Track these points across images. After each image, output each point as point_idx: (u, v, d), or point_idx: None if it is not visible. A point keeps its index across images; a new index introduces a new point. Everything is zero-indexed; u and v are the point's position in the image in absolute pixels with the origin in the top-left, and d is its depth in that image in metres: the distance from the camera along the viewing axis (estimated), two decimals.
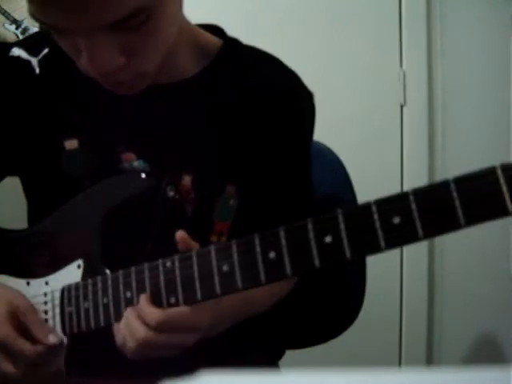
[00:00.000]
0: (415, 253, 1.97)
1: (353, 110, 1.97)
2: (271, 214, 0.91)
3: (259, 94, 0.89)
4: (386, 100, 1.97)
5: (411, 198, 0.58)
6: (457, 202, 0.56)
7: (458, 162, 1.90)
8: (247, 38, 0.94)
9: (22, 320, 0.80)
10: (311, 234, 0.63)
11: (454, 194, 0.56)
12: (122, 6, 0.65)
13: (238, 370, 0.35)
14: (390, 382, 0.34)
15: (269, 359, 1.07)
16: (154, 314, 0.71)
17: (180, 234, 0.73)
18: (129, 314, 0.74)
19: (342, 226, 0.62)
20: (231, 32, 0.93)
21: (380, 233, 0.60)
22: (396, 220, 0.59)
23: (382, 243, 0.60)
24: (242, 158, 0.89)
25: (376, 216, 0.60)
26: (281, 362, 1.10)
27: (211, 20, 0.94)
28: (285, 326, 1.10)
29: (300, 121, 0.93)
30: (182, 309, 0.72)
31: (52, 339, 0.79)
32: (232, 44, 0.91)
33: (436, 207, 0.57)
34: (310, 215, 0.64)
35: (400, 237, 0.59)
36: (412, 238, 0.59)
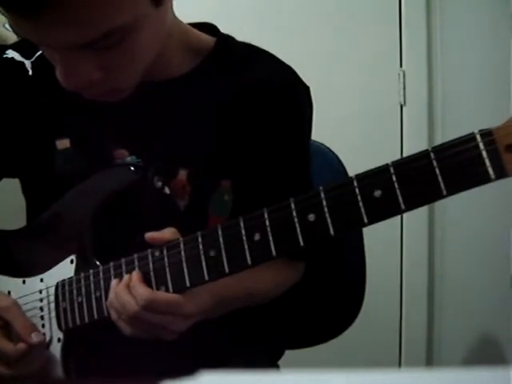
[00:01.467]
0: (415, 252, 1.97)
1: (353, 110, 1.97)
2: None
3: (254, 89, 0.89)
4: (386, 100, 1.97)
5: (391, 170, 0.59)
6: (437, 171, 0.56)
7: None
8: (247, 38, 0.94)
9: (6, 319, 0.81)
10: (294, 213, 0.64)
11: (434, 163, 0.57)
12: (95, 27, 0.65)
13: (238, 370, 0.35)
14: (390, 382, 0.34)
15: (269, 359, 1.07)
16: (143, 293, 0.72)
17: (148, 236, 0.75)
18: (119, 288, 0.74)
19: (324, 203, 0.62)
20: (230, 31, 0.93)
21: (362, 207, 0.60)
22: (377, 193, 0.59)
23: (365, 217, 0.60)
24: (238, 154, 0.89)
25: (357, 190, 0.60)
26: (281, 362, 1.10)
27: (211, 19, 0.94)
28: (285, 325, 1.10)
29: (296, 115, 0.92)
30: (172, 294, 0.73)
31: (35, 338, 0.80)
32: (225, 41, 0.91)
33: (417, 177, 0.58)
34: None
35: (382, 209, 0.60)
36: (394, 210, 0.59)
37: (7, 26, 1.87)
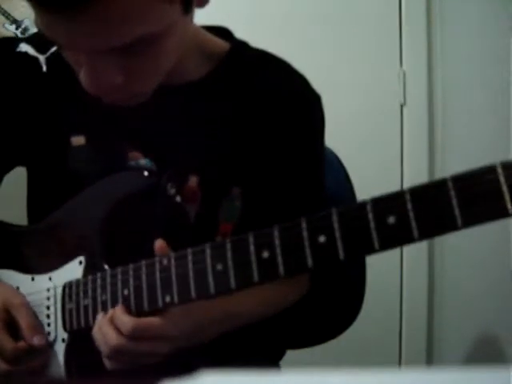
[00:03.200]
0: (415, 252, 1.97)
1: (353, 109, 1.97)
2: (277, 216, 0.91)
3: (266, 97, 0.89)
4: (386, 100, 1.97)
5: (407, 197, 0.57)
6: (454, 202, 0.54)
7: (458, 162, 1.90)
8: (248, 39, 0.94)
9: (14, 316, 0.81)
10: (305, 234, 0.62)
11: (452, 193, 0.54)
12: (125, 34, 0.66)
13: (238, 369, 0.35)
14: (390, 382, 0.34)
15: (270, 359, 1.07)
16: (127, 322, 0.72)
17: (158, 244, 0.74)
18: (102, 321, 0.74)
19: (336, 226, 0.60)
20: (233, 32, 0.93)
21: (374, 233, 0.58)
22: (391, 220, 0.57)
23: (376, 244, 0.58)
24: (249, 161, 0.89)
25: (371, 216, 0.58)
26: (281, 362, 1.10)
27: (214, 21, 0.94)
28: (285, 325, 1.10)
29: (308, 124, 0.93)
30: (154, 318, 0.73)
31: (36, 340, 0.80)
32: (239, 47, 0.91)
33: (432, 207, 0.56)
34: None
35: (395, 237, 0.58)
36: (407, 239, 0.57)
37: (7, 25, 1.87)
